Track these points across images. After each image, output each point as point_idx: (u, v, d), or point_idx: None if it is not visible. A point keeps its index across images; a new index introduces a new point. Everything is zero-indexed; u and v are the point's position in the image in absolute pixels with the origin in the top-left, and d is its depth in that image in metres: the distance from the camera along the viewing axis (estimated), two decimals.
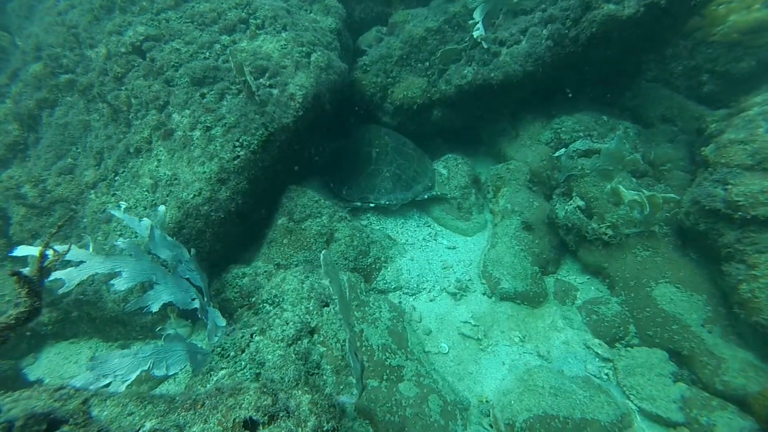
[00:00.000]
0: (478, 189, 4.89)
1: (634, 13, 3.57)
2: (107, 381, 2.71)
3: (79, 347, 4.11)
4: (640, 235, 3.72)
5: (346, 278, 3.53)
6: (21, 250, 2.75)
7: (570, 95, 4.63)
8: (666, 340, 3.28)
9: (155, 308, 3.16)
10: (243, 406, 1.67)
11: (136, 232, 3.63)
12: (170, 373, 2.96)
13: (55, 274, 2.71)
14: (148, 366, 2.85)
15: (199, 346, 3.20)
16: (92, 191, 4.01)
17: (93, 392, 1.81)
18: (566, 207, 3.91)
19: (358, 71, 5.03)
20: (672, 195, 3.58)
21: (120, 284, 2.97)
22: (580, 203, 3.90)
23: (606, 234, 3.73)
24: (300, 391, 1.82)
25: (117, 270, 2.98)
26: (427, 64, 4.73)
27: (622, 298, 3.65)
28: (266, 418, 1.66)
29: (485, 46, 4.21)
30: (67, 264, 2.82)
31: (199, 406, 1.74)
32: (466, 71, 4.37)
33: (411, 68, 4.85)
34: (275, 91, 3.79)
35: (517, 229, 4.12)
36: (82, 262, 2.85)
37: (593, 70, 4.43)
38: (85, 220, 3.98)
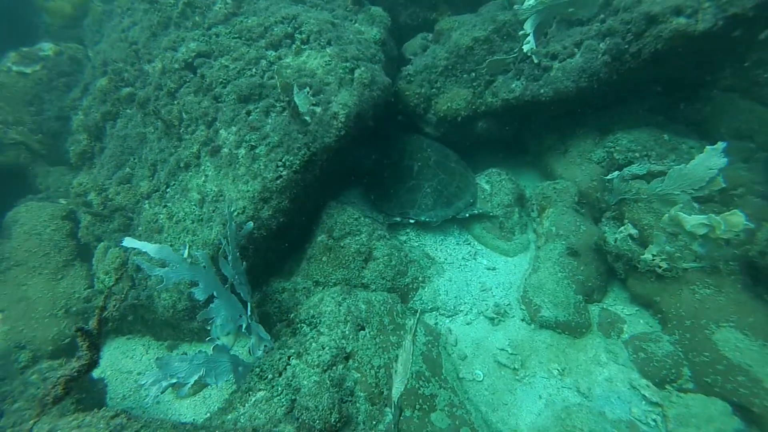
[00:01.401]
0: (522, 207, 4.71)
1: (710, 27, 3.20)
2: (173, 381, 2.96)
3: (134, 343, 4.44)
4: (701, 270, 3.43)
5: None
6: (127, 242, 2.98)
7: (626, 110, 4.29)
8: (729, 391, 2.99)
9: (219, 321, 3.36)
10: None
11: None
12: (218, 383, 3.15)
13: (158, 271, 3.00)
14: (201, 372, 3.05)
15: (240, 358, 3.36)
16: (146, 201, 4.26)
17: (143, 423, 1.94)
18: (616, 235, 3.67)
19: (402, 81, 4.95)
20: (746, 221, 3.17)
21: (199, 294, 3.21)
22: (633, 231, 3.65)
23: (660, 267, 3.47)
24: None
25: (196, 279, 3.20)
26: (473, 74, 4.57)
27: (676, 338, 3.39)
28: None
29: (536, 61, 3.99)
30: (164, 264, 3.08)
31: None
32: (514, 85, 4.17)
33: (456, 79, 4.71)
34: (318, 110, 3.81)
35: (561, 254, 3.93)
36: (176, 265, 3.08)
37: (655, 83, 4.08)
38: (140, 229, 4.24)
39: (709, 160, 3.33)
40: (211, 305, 3.33)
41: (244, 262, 3.50)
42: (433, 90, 4.84)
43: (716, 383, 3.05)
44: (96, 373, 4.05)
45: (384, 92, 4.29)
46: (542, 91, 4.05)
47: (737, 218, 3.10)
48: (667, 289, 3.52)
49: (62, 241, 4.80)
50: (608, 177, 3.98)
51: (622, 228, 3.74)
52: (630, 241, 3.64)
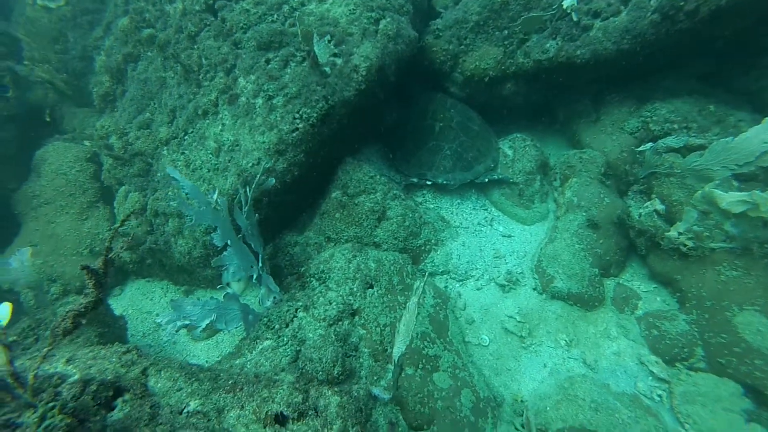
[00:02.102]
0: (545, 175, 4.53)
1: None
2: (186, 322, 3.09)
3: (153, 286, 4.63)
4: (729, 252, 3.26)
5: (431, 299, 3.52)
6: (170, 170, 3.12)
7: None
8: (743, 373, 2.91)
9: (232, 269, 3.46)
10: (276, 400, 1.78)
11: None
12: (229, 329, 3.27)
13: (189, 210, 3.14)
14: (212, 317, 3.17)
15: (250, 306, 3.46)
16: (165, 148, 4.27)
17: (151, 361, 2.02)
18: (641, 210, 3.50)
19: (430, 36, 4.67)
20: None
21: (217, 239, 3.32)
22: (659, 207, 3.47)
23: (685, 245, 3.32)
24: (330, 391, 1.89)
25: (215, 225, 3.30)
26: (506, 32, 4.27)
27: (693, 318, 3.29)
28: (296, 414, 1.75)
29: (575, 19, 3.67)
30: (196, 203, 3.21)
31: (238, 390, 1.88)
32: (548, 45, 3.88)
33: (487, 36, 4.41)
34: (339, 61, 3.66)
35: (580, 225, 3.80)
36: (203, 207, 3.20)
37: (707, 46, 3.72)
38: (159, 175, 4.29)
39: (767, 133, 3.03)
40: (224, 253, 3.41)
41: (257, 214, 3.52)
42: (462, 47, 4.56)
43: (730, 365, 2.97)
44: (118, 311, 4.28)
45: (409, 46, 4.07)
46: (578, 52, 3.75)
47: None
48: (690, 268, 3.38)
49: (86, 182, 4.93)
50: (640, 149, 3.74)
51: (649, 203, 3.56)
52: (655, 216, 3.48)
